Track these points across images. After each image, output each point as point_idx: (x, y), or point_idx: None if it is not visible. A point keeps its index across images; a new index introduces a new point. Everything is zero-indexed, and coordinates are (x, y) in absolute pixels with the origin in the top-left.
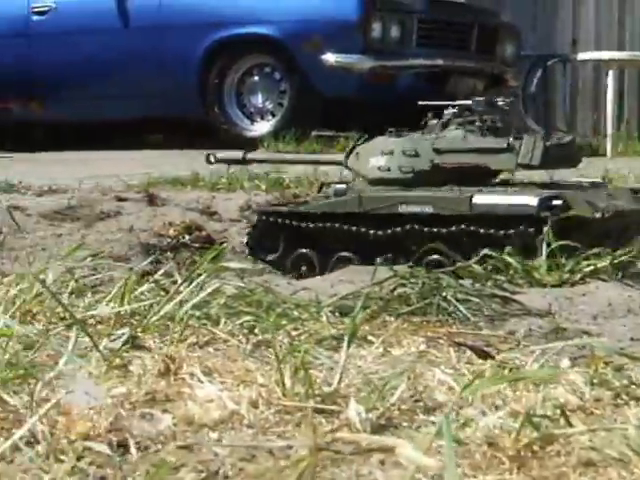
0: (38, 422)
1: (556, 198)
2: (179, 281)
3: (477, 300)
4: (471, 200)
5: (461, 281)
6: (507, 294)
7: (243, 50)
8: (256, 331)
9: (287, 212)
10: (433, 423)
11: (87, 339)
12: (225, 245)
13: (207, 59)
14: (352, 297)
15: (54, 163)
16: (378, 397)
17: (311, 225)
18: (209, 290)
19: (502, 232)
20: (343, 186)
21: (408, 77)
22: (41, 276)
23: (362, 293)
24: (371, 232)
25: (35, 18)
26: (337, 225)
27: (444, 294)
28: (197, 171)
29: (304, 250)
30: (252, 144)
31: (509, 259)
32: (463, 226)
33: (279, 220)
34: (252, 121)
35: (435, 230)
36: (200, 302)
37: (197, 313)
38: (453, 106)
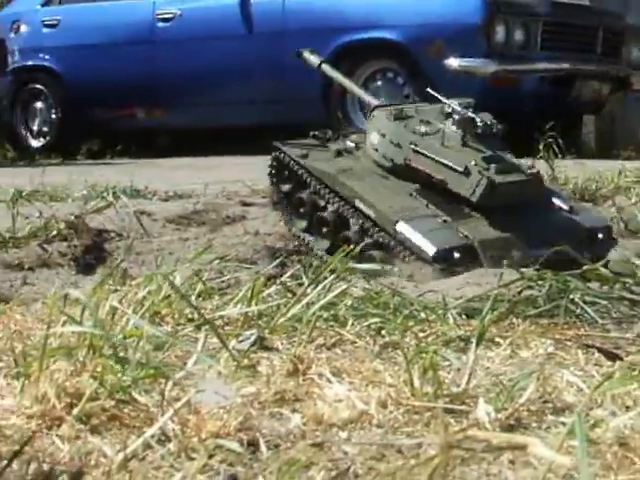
0: (169, 421)
1: (458, 250)
2: (306, 283)
3: (605, 302)
4: (395, 224)
5: (589, 284)
6: (635, 297)
7: (366, 55)
8: (383, 333)
9: (293, 157)
10: (562, 424)
11: (215, 340)
12: (353, 247)
13: (331, 64)
14: (479, 299)
15: (179, 168)
16: (507, 398)
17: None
18: (336, 292)
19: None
20: (352, 144)
21: (532, 81)
22: (169, 278)
23: (489, 295)
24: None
25: (160, 25)
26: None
27: (572, 296)
28: None
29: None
30: None
31: (638, 261)
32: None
33: (287, 160)
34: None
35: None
36: (327, 304)
37: (324, 315)
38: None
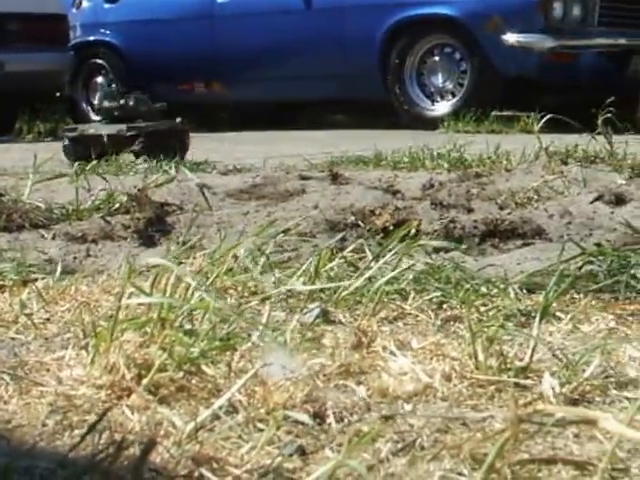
0: (236, 392)
1: None
2: (369, 257)
3: None
4: None
5: None
6: None
7: (424, 30)
8: (445, 307)
9: None
10: (626, 399)
11: (280, 313)
12: (414, 222)
13: (388, 39)
14: (539, 274)
15: (238, 143)
16: (570, 372)
17: None
18: (401, 269)
19: None
20: None
21: (590, 57)
22: (232, 252)
23: (550, 270)
24: None
25: (220, 0)
26: None
27: (633, 272)
28: (379, 150)
29: None
30: (432, 124)
31: None
32: None
33: None
34: (432, 101)
35: None
36: (390, 278)
37: (387, 289)
38: None
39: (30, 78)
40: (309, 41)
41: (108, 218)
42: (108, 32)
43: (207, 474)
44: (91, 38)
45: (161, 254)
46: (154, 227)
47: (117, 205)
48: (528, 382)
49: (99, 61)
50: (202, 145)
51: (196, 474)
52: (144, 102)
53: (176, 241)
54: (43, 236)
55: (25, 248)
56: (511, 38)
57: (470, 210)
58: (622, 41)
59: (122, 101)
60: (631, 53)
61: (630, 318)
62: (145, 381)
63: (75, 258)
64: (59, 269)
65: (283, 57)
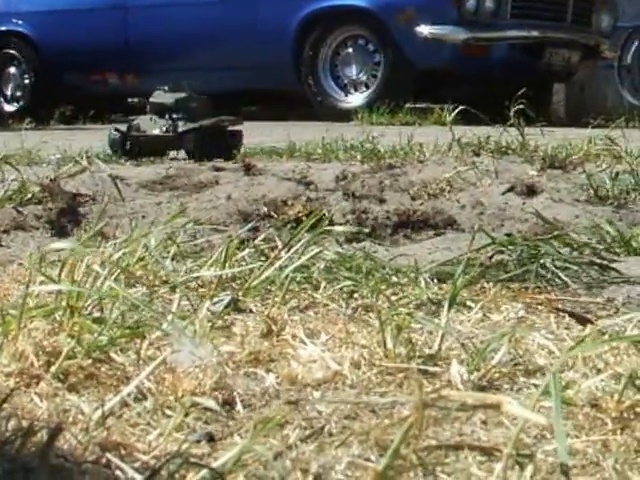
0: (145, 379)
1: None
2: (279, 246)
3: (575, 268)
4: None
5: (559, 249)
6: (605, 262)
7: (337, 22)
8: (355, 296)
9: None
10: (534, 386)
11: (189, 302)
12: (324, 211)
13: (301, 31)
14: (450, 263)
15: None
16: (479, 360)
17: None
18: (309, 255)
19: None
20: None
21: (503, 49)
22: (143, 241)
23: (460, 259)
24: None
25: None
26: None
27: (542, 261)
28: (293, 141)
29: None
30: (346, 116)
31: (607, 227)
32: None
33: None
34: (346, 93)
35: None
36: (300, 267)
37: (297, 277)
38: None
39: None
40: (223, 32)
41: (20, 208)
42: (20, 22)
43: (115, 460)
44: (3, 28)
45: (72, 244)
46: (66, 217)
47: (29, 195)
48: (436, 369)
49: (11, 51)
50: None
51: (104, 460)
52: (195, 99)
53: (87, 231)
54: None
55: None
56: (424, 30)
57: (383, 201)
58: (535, 33)
59: (173, 97)
60: (544, 45)
61: (539, 307)
62: (53, 368)
63: None
64: None
65: (197, 48)
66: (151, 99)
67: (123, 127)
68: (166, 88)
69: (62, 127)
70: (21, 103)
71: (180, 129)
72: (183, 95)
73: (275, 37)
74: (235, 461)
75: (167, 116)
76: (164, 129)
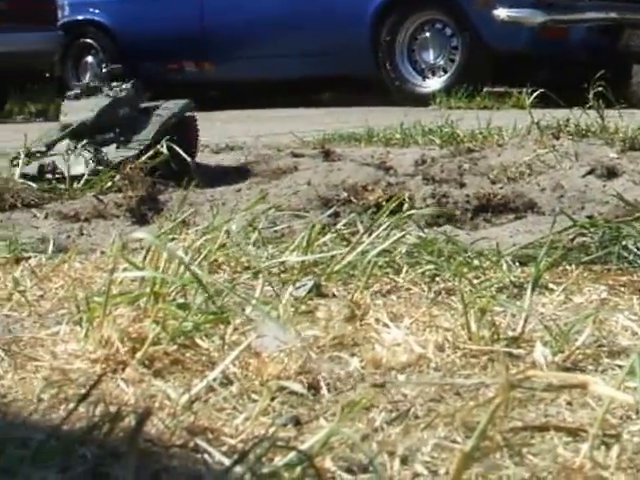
0: (230, 364)
1: None
2: (361, 231)
3: None
4: None
5: None
6: None
7: (415, 6)
8: (437, 279)
9: None
10: (618, 367)
11: (272, 287)
12: (405, 195)
13: (379, 16)
14: (531, 247)
15: (229, 121)
16: (562, 341)
17: None
18: (392, 239)
19: None
20: None
21: (581, 31)
22: (225, 227)
23: (542, 242)
24: None
25: None
26: None
27: (624, 243)
28: (371, 127)
29: None
30: (424, 100)
31: None
32: None
33: None
34: (424, 77)
35: None
36: (382, 251)
37: (379, 262)
38: None
39: (19, 59)
40: (300, 18)
41: (101, 197)
42: (97, 11)
43: (202, 444)
44: (80, 17)
45: (153, 231)
46: (146, 205)
47: (110, 184)
48: (520, 352)
49: (88, 40)
50: None
51: (191, 444)
52: (124, 100)
53: (168, 218)
54: (35, 215)
55: (17, 227)
56: (502, 13)
57: (462, 185)
58: (613, 15)
59: (92, 108)
60: (622, 26)
61: (622, 288)
62: (139, 354)
63: (68, 237)
64: (51, 247)
65: (274, 35)
66: (62, 118)
67: (32, 170)
68: (78, 91)
69: None
70: None
71: (115, 159)
72: (105, 102)
73: (352, 22)
74: (323, 444)
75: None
76: (90, 164)
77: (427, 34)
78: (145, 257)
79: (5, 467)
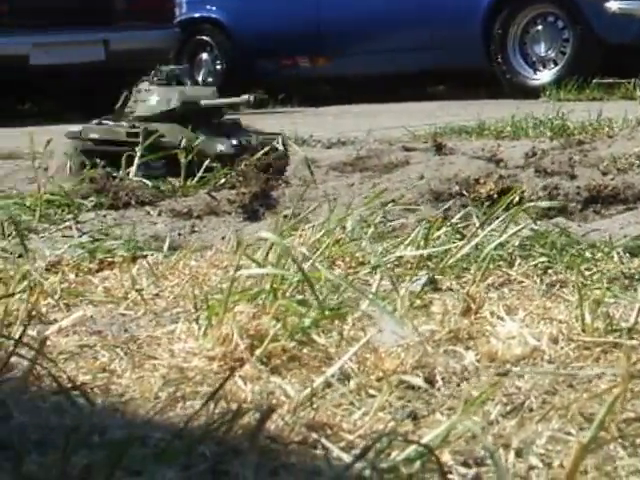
0: (348, 360)
1: None
2: (476, 225)
3: None
4: None
5: None
6: None
7: (527, 0)
8: (550, 272)
9: None
10: None
11: (387, 282)
12: (518, 189)
13: (491, 9)
14: None
15: (341, 116)
16: None
17: None
18: (510, 233)
19: None
20: None
21: None
22: (341, 223)
23: None
24: None
25: None
26: None
27: None
28: (482, 120)
29: None
30: (534, 93)
31: None
32: None
33: None
34: (535, 70)
35: None
36: (496, 245)
37: (493, 255)
38: None
39: (136, 56)
40: (414, 12)
41: (214, 193)
42: (213, 8)
43: (322, 440)
44: (196, 15)
45: (265, 228)
46: (259, 201)
47: (223, 180)
48: (634, 343)
49: (204, 38)
50: (306, 119)
51: (310, 440)
52: None
53: (281, 214)
54: (149, 213)
55: (132, 225)
56: (613, 5)
57: (573, 177)
58: None
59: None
60: None
61: None
62: (258, 351)
63: (180, 234)
64: (166, 245)
65: (387, 29)
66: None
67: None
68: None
69: (251, 112)
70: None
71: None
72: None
73: (465, 16)
74: (443, 438)
75: None
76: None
77: (539, 27)
78: (267, 254)
79: (129, 466)
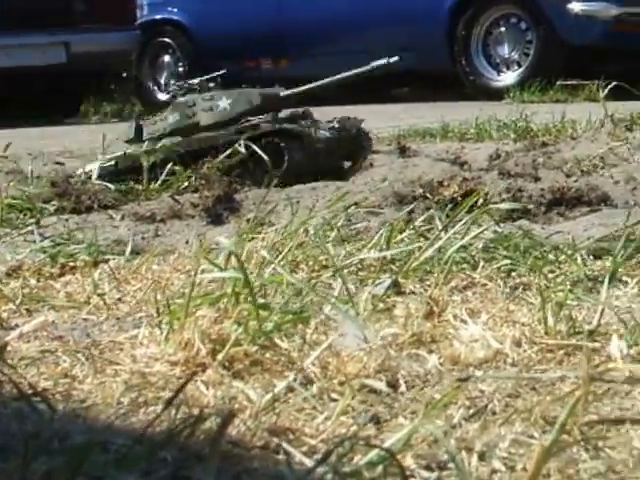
0: (310, 364)
1: None
2: (439, 227)
3: None
4: None
5: None
6: None
7: (490, 1)
8: (513, 274)
9: None
10: None
11: (351, 285)
12: (482, 191)
13: (454, 11)
14: (606, 240)
15: None
16: (638, 334)
17: None
18: (472, 235)
19: None
20: None
21: None
22: (304, 226)
23: (616, 236)
24: None
25: None
26: None
27: None
28: (446, 122)
29: None
30: (498, 94)
31: None
32: None
33: None
34: (498, 72)
35: None
36: (459, 247)
37: (456, 258)
38: None
39: (97, 58)
40: (375, 14)
41: (177, 197)
42: (175, 10)
43: (284, 445)
44: (158, 16)
45: (229, 231)
46: (222, 205)
47: (186, 184)
48: (596, 345)
49: (166, 40)
50: None
51: (273, 445)
52: None
53: (244, 218)
54: (112, 217)
55: (94, 229)
56: (576, 7)
57: (537, 179)
58: None
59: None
60: None
61: None
62: (220, 356)
63: (143, 238)
64: (129, 249)
65: (350, 31)
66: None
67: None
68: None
69: None
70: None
71: None
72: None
73: (429, 18)
74: (405, 442)
75: None
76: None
77: (502, 28)
78: (228, 258)
79: (90, 472)
